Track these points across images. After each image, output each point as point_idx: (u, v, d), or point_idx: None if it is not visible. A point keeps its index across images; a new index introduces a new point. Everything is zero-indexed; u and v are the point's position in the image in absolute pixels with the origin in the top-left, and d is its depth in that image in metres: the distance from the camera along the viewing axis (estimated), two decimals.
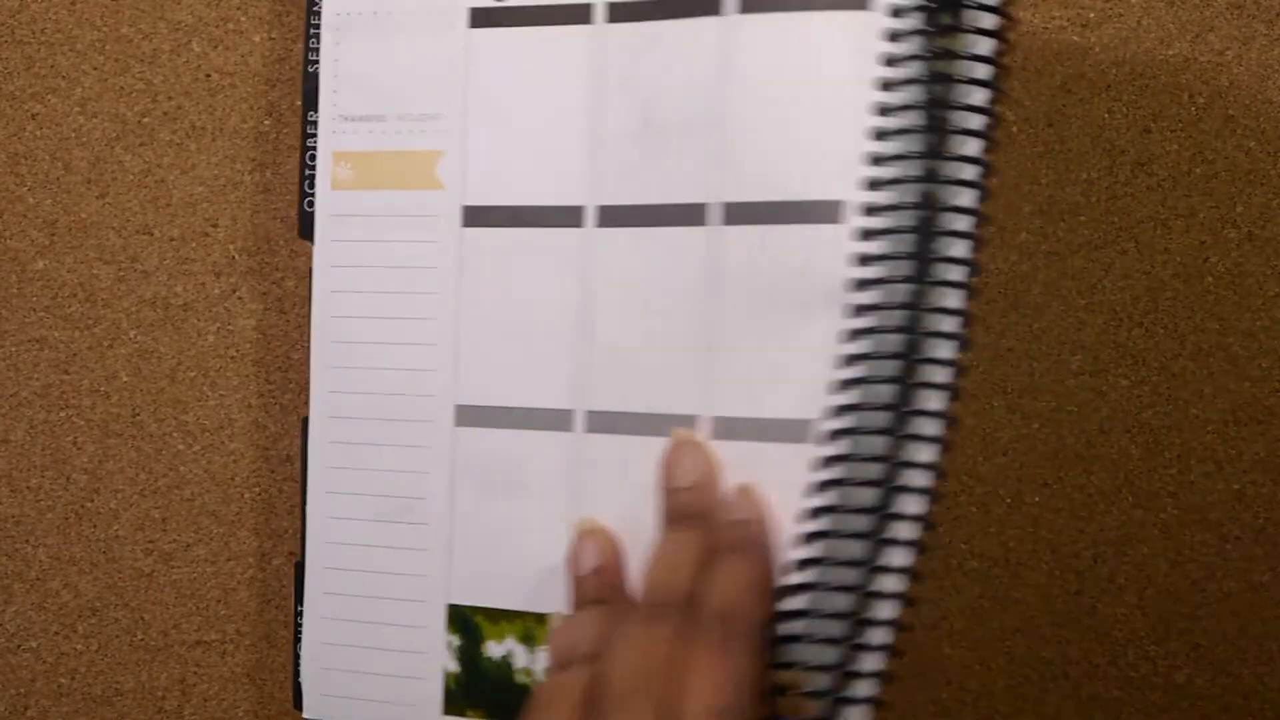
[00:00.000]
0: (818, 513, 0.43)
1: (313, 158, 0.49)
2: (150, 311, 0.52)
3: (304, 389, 0.52)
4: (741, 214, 0.45)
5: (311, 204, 0.49)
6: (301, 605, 0.50)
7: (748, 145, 0.45)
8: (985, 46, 0.43)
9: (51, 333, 0.52)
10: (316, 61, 0.49)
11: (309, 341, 0.50)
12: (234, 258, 0.52)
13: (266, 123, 0.52)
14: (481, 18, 0.49)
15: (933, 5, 0.43)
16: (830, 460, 0.43)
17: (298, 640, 0.49)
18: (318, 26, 0.49)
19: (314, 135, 0.49)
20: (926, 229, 0.42)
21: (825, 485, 0.43)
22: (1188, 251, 0.51)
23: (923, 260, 0.42)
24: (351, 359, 0.49)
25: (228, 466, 0.52)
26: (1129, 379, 0.51)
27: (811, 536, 0.43)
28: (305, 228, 0.49)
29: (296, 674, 0.50)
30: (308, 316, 0.50)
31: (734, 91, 0.46)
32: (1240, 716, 0.51)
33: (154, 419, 0.52)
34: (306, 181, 0.49)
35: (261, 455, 0.52)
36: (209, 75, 0.52)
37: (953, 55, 0.43)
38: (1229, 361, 0.51)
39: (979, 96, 0.43)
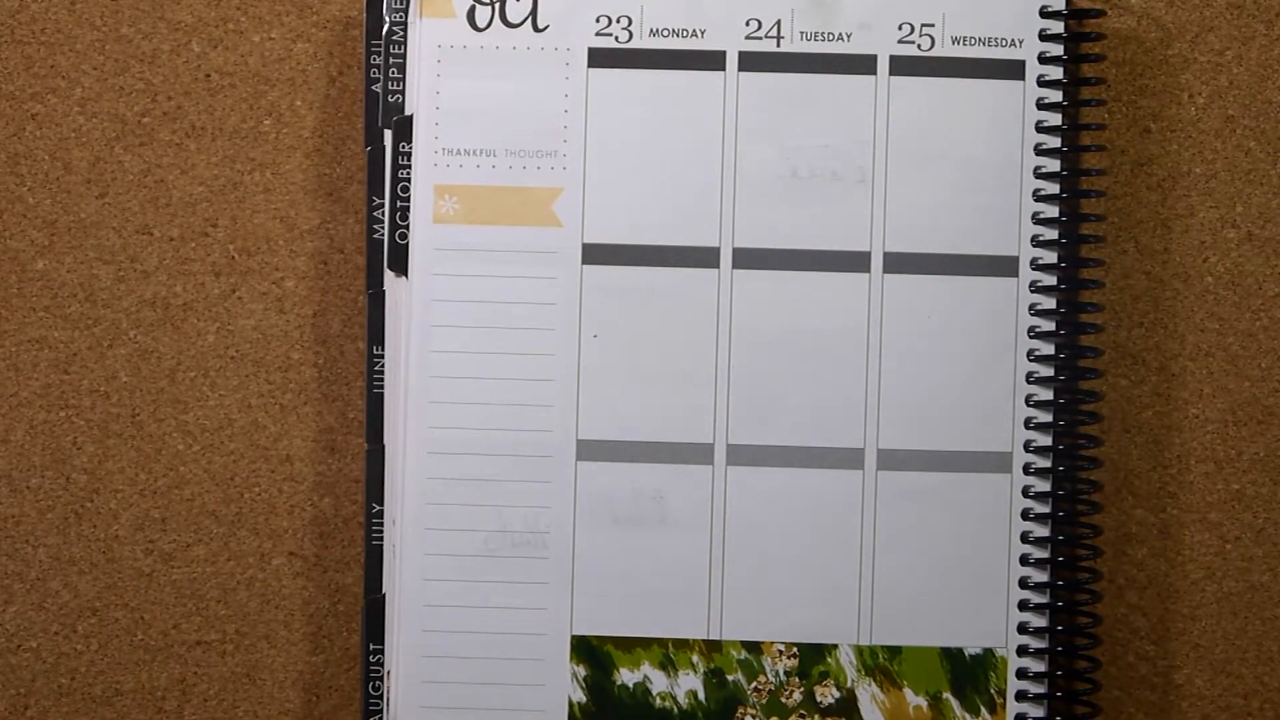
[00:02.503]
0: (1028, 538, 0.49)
1: (404, 189, 0.49)
2: (150, 311, 0.52)
3: (303, 389, 0.52)
4: (902, 263, 0.49)
5: (404, 235, 0.49)
6: (378, 644, 0.50)
7: (907, 200, 0.49)
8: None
9: (51, 333, 0.52)
10: (399, 92, 0.49)
11: (369, 370, 0.50)
12: (234, 258, 0.52)
13: (266, 123, 0.52)
14: (601, 58, 0.49)
15: (1077, 80, 0.50)
16: (1029, 489, 0.49)
17: (368, 680, 0.50)
18: (400, 56, 0.49)
19: (407, 167, 0.49)
20: (1076, 280, 0.49)
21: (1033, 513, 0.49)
22: (1188, 251, 0.51)
23: (1074, 307, 0.49)
24: (455, 394, 0.49)
25: (228, 466, 0.52)
26: (1129, 379, 0.51)
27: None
28: (397, 259, 0.49)
29: (367, 713, 0.50)
30: (364, 348, 0.50)
31: (892, 149, 0.49)
32: (1240, 716, 0.51)
33: (154, 419, 0.52)
34: (399, 214, 0.49)
35: (262, 455, 0.52)
36: (209, 75, 0.52)
37: (1090, 125, 0.50)
38: (1229, 361, 0.51)
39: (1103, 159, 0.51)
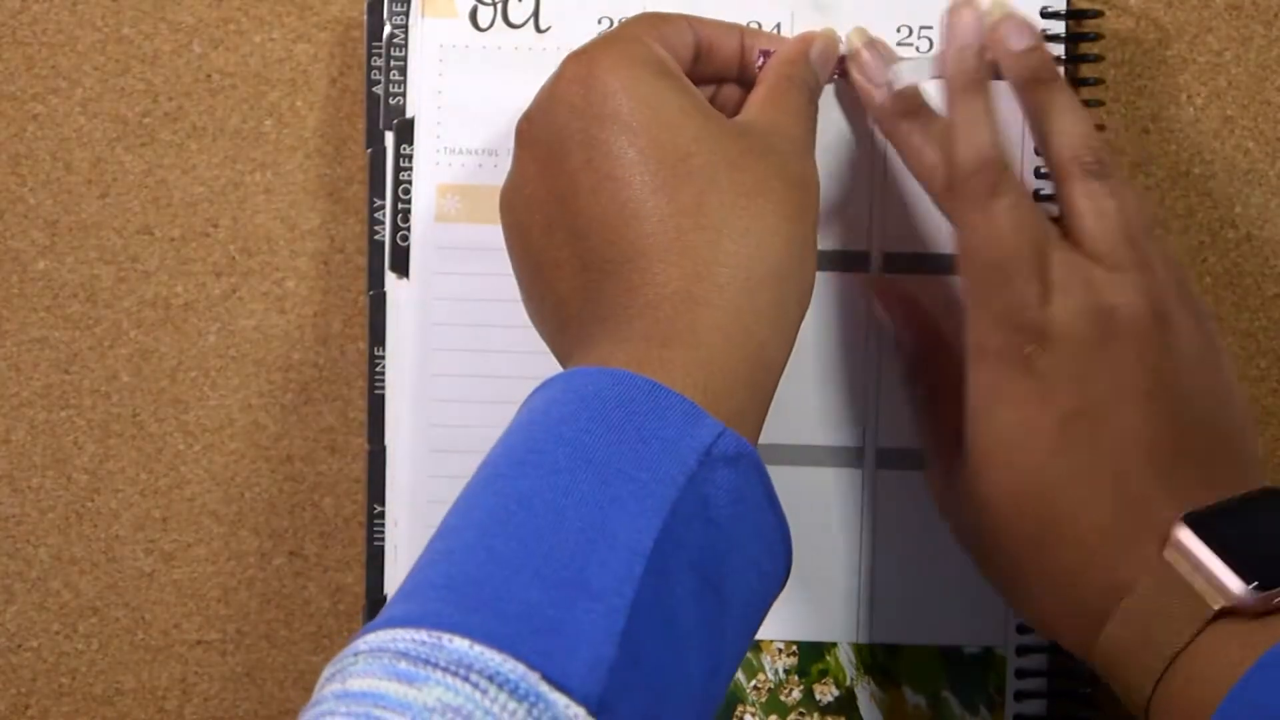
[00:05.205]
0: None
1: (406, 191, 0.49)
2: (150, 311, 0.52)
3: (304, 390, 0.52)
4: (902, 263, 0.49)
5: (405, 238, 0.49)
6: None
7: (907, 200, 0.49)
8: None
9: (52, 333, 0.52)
10: (400, 94, 0.49)
11: (370, 371, 0.50)
12: (234, 258, 0.52)
13: (267, 123, 0.52)
14: None
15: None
16: None
17: None
18: (401, 59, 0.49)
19: (409, 169, 0.49)
20: None
21: None
22: (1188, 251, 0.51)
23: None
24: (457, 393, 0.49)
25: (228, 466, 0.52)
26: None
27: None
28: (398, 261, 0.49)
29: None
30: (365, 348, 0.50)
31: (892, 149, 0.49)
32: None
33: (154, 419, 0.52)
34: (400, 216, 0.49)
35: (262, 455, 0.52)
36: (209, 75, 0.52)
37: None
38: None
39: None
